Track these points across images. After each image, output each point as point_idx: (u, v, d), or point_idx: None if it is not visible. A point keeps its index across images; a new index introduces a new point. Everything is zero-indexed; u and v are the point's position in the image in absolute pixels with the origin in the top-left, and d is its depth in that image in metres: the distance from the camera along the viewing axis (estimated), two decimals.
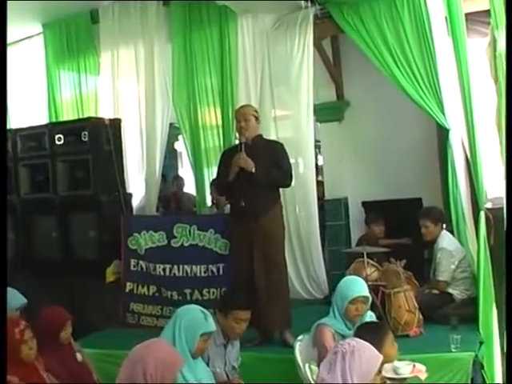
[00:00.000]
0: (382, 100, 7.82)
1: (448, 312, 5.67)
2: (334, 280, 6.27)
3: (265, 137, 6.18)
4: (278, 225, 5.70)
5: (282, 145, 5.89)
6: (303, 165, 7.33)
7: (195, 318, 3.94)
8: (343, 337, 4.38)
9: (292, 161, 7.21)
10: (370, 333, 3.80)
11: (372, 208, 7.84)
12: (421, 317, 5.61)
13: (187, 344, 3.84)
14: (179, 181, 10.28)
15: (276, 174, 5.62)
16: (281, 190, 5.92)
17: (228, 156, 5.85)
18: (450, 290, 6.04)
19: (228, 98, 7.49)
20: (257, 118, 5.84)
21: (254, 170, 5.57)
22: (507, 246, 4.35)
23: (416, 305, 5.63)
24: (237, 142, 6.46)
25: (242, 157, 5.59)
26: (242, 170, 5.59)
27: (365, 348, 3.13)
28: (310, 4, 7.08)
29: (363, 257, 6.01)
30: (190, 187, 9.42)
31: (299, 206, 7.28)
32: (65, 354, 4.53)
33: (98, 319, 6.53)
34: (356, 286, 4.67)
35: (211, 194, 7.82)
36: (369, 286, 5.52)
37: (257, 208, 5.56)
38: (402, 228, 7.40)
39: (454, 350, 4.88)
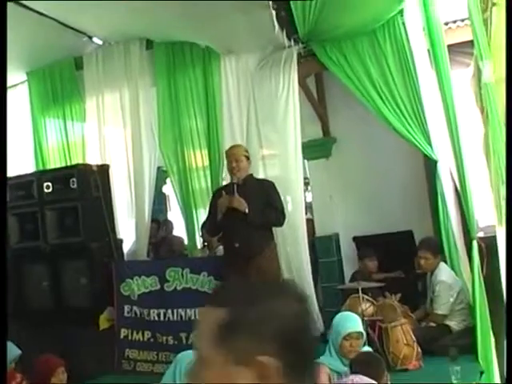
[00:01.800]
0: (369, 135, 7.88)
1: (446, 344, 5.64)
2: (328, 317, 6.28)
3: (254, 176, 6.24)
4: (274, 264, 5.76)
5: (273, 184, 5.97)
6: (292, 203, 7.33)
7: None
8: (339, 374, 4.39)
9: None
10: (366, 367, 3.81)
11: (363, 243, 7.85)
12: (419, 350, 5.61)
13: None
14: (168, 224, 10.28)
15: (269, 213, 5.68)
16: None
17: (219, 197, 5.91)
18: (448, 322, 6.05)
19: (214, 139, 7.53)
20: (248, 158, 5.93)
21: (247, 211, 5.61)
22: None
23: (414, 338, 5.64)
24: (225, 182, 6.53)
25: (235, 198, 5.65)
26: (235, 210, 5.63)
27: None
28: (293, 43, 7.17)
29: (358, 292, 6.01)
30: (179, 230, 9.43)
31: (289, 244, 7.28)
32: None
33: (93, 367, 6.48)
34: (349, 321, 4.69)
35: (202, 236, 7.80)
36: (365, 321, 5.57)
37: (251, 248, 5.62)
38: (394, 261, 7.41)
39: (455, 382, 4.87)
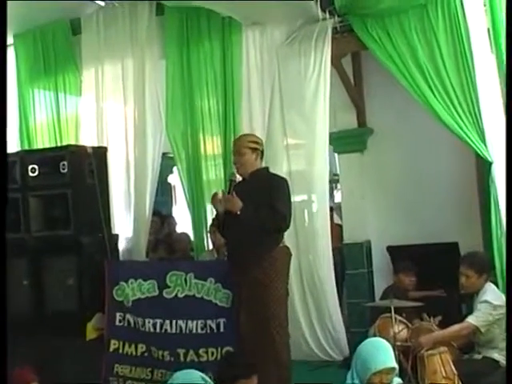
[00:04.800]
0: (412, 127, 7.83)
1: (494, 381, 5.53)
2: (354, 339, 6.26)
3: (273, 169, 6.21)
4: (274, 277, 5.65)
5: (283, 181, 5.83)
6: (317, 203, 7.31)
7: None
8: None
9: (304, 198, 7.26)
10: None
11: (400, 254, 7.78)
12: None
13: None
14: (171, 220, 10.28)
15: (265, 215, 5.57)
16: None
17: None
18: (495, 355, 5.94)
19: (230, 124, 7.56)
20: (255, 150, 5.85)
21: (239, 212, 5.59)
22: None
23: (454, 370, 5.54)
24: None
25: (227, 197, 5.65)
26: (230, 212, 5.63)
27: None
28: (328, 15, 7.12)
29: (390, 312, 5.94)
30: (185, 227, 9.41)
31: (311, 251, 7.24)
32: None
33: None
34: (381, 354, 4.59)
35: (211, 235, 7.76)
36: (397, 346, 5.51)
37: (244, 255, 5.62)
38: (435, 278, 7.33)
39: None
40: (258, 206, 5.60)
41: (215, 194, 5.98)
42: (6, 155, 5.34)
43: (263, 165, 6.08)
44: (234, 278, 5.93)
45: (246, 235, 5.59)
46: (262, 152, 5.98)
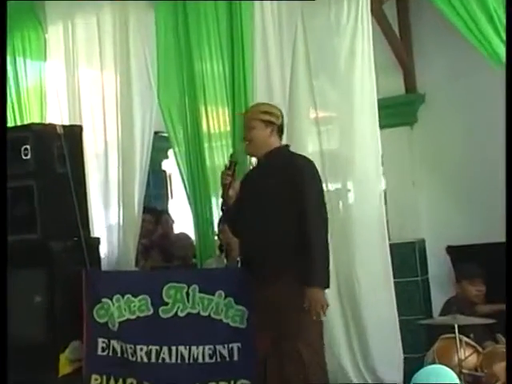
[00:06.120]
0: (476, 94, 7.80)
1: None
2: (407, 367, 6.34)
3: (297, 150, 6.15)
4: (295, 301, 5.54)
5: (310, 166, 5.78)
6: (356, 192, 7.23)
7: None
8: None
9: (338, 187, 7.17)
10: None
11: (464, 256, 7.76)
12: None
13: None
14: (167, 218, 10.31)
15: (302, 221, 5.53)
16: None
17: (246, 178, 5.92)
18: None
19: (240, 93, 7.45)
20: (269, 124, 5.79)
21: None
22: None
23: None
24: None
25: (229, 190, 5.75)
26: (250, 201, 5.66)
27: None
28: None
29: (453, 332, 5.89)
30: (187, 227, 9.41)
31: (356, 257, 7.13)
32: None
33: None
34: None
35: (219, 235, 7.72)
36: (462, 376, 5.45)
37: (260, 266, 5.66)
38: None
39: None
40: (276, 209, 5.57)
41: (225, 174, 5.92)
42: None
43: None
44: (250, 291, 5.91)
45: (266, 233, 5.54)
46: (281, 127, 5.92)
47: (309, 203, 5.56)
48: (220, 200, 7.02)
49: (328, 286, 5.57)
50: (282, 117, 5.99)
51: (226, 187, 5.91)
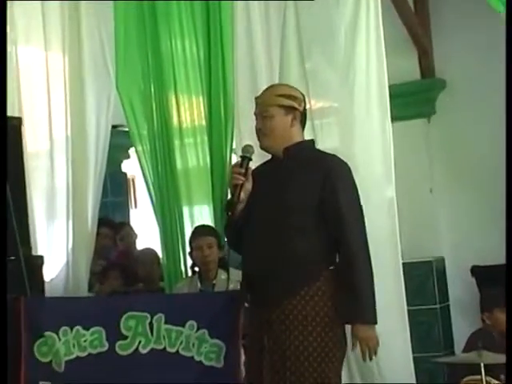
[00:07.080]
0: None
1: None
2: None
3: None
4: (322, 318, 5.45)
5: (342, 166, 5.65)
6: (366, 202, 7.11)
7: None
8: None
9: None
10: None
11: (492, 278, 7.68)
12: None
13: None
14: (128, 231, 10.37)
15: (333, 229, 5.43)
16: None
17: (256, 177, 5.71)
18: None
19: (219, 79, 7.57)
20: (291, 110, 5.61)
21: None
22: None
23: None
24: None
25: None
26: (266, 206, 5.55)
27: None
28: None
29: (479, 372, 5.94)
30: (152, 243, 9.42)
31: None
32: None
33: None
34: None
35: (192, 253, 7.58)
36: None
37: (270, 285, 5.48)
38: None
39: None
40: (300, 222, 5.44)
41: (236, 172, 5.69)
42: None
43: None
44: (231, 322, 6.04)
45: (274, 246, 5.44)
46: (304, 114, 5.75)
47: (347, 221, 5.44)
48: (211, 206, 7.09)
49: (376, 322, 5.49)
50: (305, 102, 5.82)
51: (237, 189, 5.64)
